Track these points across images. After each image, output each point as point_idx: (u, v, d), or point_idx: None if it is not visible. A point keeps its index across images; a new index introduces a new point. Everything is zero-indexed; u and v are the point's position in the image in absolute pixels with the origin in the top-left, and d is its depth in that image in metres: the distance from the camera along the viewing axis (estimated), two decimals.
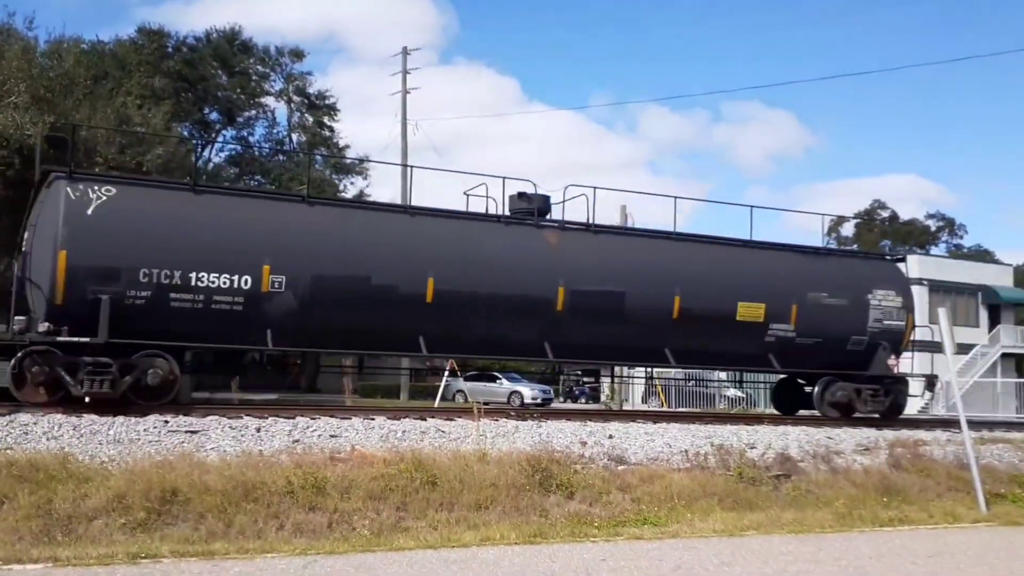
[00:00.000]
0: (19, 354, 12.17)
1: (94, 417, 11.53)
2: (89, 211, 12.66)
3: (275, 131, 42.86)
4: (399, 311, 14.28)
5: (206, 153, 39.42)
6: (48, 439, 10.57)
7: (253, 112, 41.26)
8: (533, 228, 15.90)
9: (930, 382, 19.10)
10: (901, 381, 17.86)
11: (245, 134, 42.10)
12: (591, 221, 16.26)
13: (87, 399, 12.23)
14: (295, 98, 42.24)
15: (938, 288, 41.52)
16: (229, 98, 39.34)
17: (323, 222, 14.40)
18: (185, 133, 36.01)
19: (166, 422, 11.70)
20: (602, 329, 15.59)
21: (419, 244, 14.63)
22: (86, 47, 29.47)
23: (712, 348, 16.55)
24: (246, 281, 13.24)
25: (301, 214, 14.35)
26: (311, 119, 42.36)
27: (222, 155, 40.09)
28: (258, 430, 11.82)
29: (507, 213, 16.08)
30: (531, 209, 16.15)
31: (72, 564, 7.51)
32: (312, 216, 14.38)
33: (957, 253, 69.44)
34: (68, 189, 12.68)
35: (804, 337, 16.88)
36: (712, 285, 16.36)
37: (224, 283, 13.11)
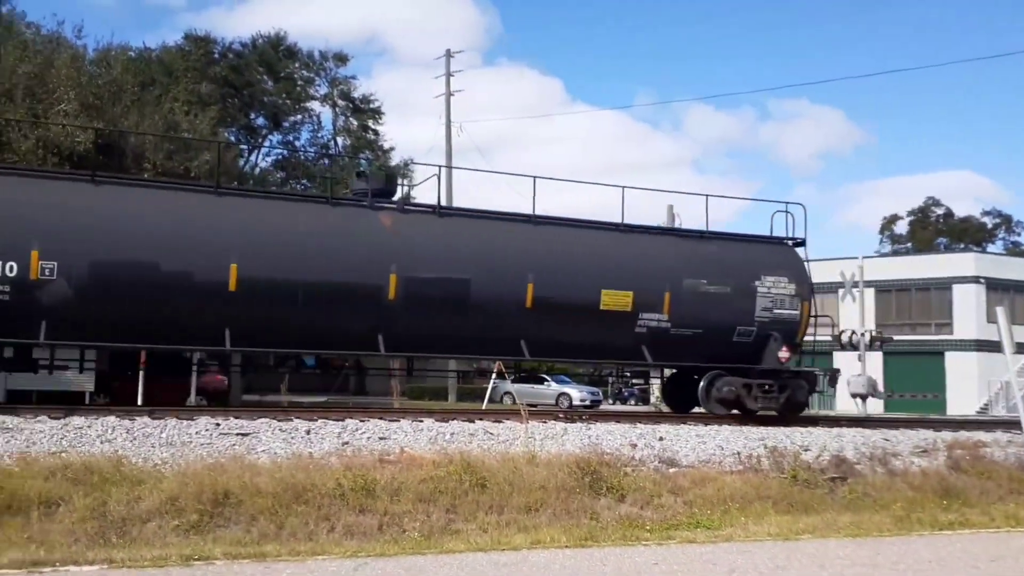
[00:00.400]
0: None
1: (147, 420, 11.69)
2: None
3: (320, 135, 43.28)
4: (196, 301, 13.15)
5: (252, 158, 39.94)
6: (102, 442, 10.72)
7: (299, 117, 41.71)
8: (367, 210, 14.60)
9: (832, 377, 17.51)
10: (803, 376, 16.65)
11: (291, 138, 42.55)
12: (439, 203, 15.29)
13: None
14: (340, 102, 42.62)
15: (996, 286, 40.59)
16: (275, 103, 39.80)
17: (110, 203, 13.21)
18: (231, 138, 36.45)
19: (217, 424, 11.81)
20: (444, 320, 14.41)
21: (223, 227, 13.47)
22: (133, 54, 29.97)
23: (575, 340, 15.36)
24: (11, 268, 12.23)
25: (84, 195, 13.16)
26: (356, 123, 42.69)
27: (268, 160, 40.53)
28: (308, 432, 11.87)
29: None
30: (367, 190, 14.92)
31: (127, 566, 7.58)
32: (98, 197, 13.20)
33: (1015, 251, 68.00)
34: None
35: (681, 328, 15.56)
36: (572, 272, 15.11)
37: None
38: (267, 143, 41.19)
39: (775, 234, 17.31)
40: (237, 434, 11.51)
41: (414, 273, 14.12)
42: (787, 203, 17.41)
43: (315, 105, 42.28)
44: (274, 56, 39.48)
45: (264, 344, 14.30)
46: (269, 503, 9.15)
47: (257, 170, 38.77)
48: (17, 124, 20.29)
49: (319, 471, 9.99)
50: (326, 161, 39.54)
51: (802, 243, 17.53)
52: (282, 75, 39.97)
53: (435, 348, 15.20)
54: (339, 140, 43.12)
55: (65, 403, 13.70)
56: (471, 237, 14.98)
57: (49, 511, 8.66)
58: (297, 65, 40.97)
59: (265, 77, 39.56)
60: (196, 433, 11.34)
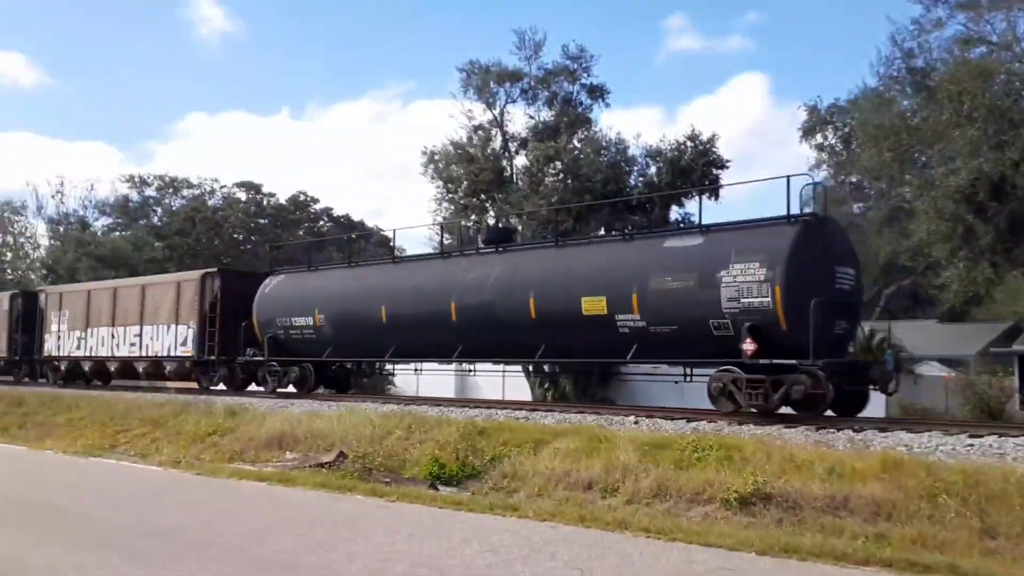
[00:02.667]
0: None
1: None
2: (267, 290, 23.30)
3: None
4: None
5: None
6: None
7: None
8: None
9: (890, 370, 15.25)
10: (804, 371, 14.12)
11: None
12: (496, 244, 19.70)
13: None
14: None
15: None
16: None
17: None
18: None
19: None
20: (482, 333, 18.39)
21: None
22: None
23: (572, 343, 17.27)
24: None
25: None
26: None
27: None
28: None
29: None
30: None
31: None
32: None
33: None
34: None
35: (657, 325, 15.66)
36: (562, 285, 17.10)
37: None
38: None
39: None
40: None
41: (465, 300, 18.69)
42: (792, 175, 15.04)
43: None
44: None
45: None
46: None
47: None
48: None
49: None
50: None
51: (796, 219, 15.04)
52: None
53: (484, 354, 19.98)
54: None
55: None
56: (491, 268, 18.72)
57: None
58: None
59: None
60: None
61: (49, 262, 64.13)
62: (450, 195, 36.76)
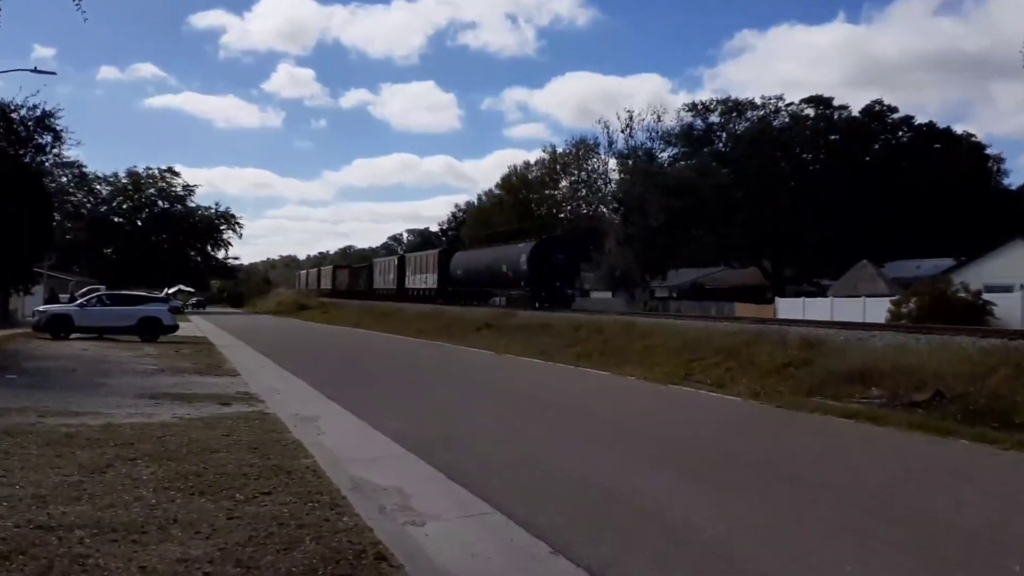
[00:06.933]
0: None
1: None
2: (453, 257, 59.29)
3: None
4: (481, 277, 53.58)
5: None
6: None
7: None
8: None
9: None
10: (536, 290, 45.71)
11: None
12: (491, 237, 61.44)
13: None
14: None
15: None
16: None
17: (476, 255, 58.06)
18: None
19: None
20: (490, 280, 50.80)
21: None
22: None
23: (505, 282, 48.54)
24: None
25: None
26: None
27: None
28: None
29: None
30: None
31: None
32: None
33: None
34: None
35: (514, 275, 46.98)
36: (498, 261, 49.91)
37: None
38: None
39: None
40: None
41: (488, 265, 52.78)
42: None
43: None
44: None
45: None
46: None
47: None
48: None
49: None
50: None
51: (536, 240, 49.82)
52: None
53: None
54: None
55: None
56: (492, 254, 53.06)
57: None
58: None
59: None
60: None
61: (619, 195, 68.50)
62: None
